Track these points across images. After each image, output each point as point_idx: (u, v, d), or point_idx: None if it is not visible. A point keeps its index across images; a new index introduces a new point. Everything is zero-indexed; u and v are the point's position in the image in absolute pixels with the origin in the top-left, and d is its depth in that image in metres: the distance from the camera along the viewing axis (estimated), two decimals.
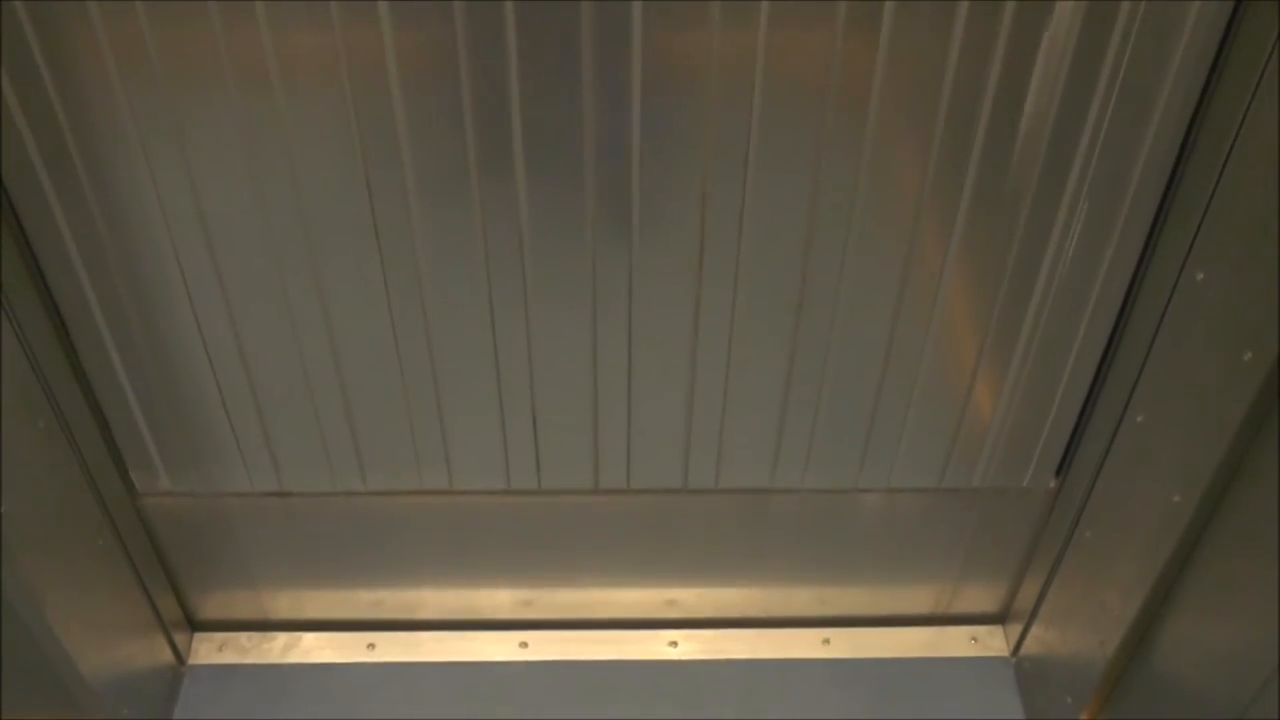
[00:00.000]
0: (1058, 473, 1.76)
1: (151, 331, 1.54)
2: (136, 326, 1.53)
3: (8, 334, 1.41)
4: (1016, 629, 1.99)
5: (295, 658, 2.01)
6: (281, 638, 2.03)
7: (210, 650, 2.01)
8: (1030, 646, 1.95)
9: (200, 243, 1.44)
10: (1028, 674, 1.96)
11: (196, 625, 2.03)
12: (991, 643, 2.04)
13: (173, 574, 1.91)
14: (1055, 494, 1.79)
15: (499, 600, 2.00)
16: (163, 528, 1.83)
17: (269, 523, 1.83)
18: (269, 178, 1.38)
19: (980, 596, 2.01)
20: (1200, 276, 1.37)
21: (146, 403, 1.63)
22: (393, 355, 1.58)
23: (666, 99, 1.32)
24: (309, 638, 2.03)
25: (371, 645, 2.02)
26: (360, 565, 1.93)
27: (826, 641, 2.03)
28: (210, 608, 1.99)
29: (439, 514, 1.83)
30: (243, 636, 2.03)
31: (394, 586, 1.96)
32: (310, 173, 1.38)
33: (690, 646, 2.03)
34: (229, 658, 2.01)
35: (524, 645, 2.02)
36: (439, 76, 1.30)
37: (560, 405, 1.65)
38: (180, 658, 1.98)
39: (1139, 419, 1.54)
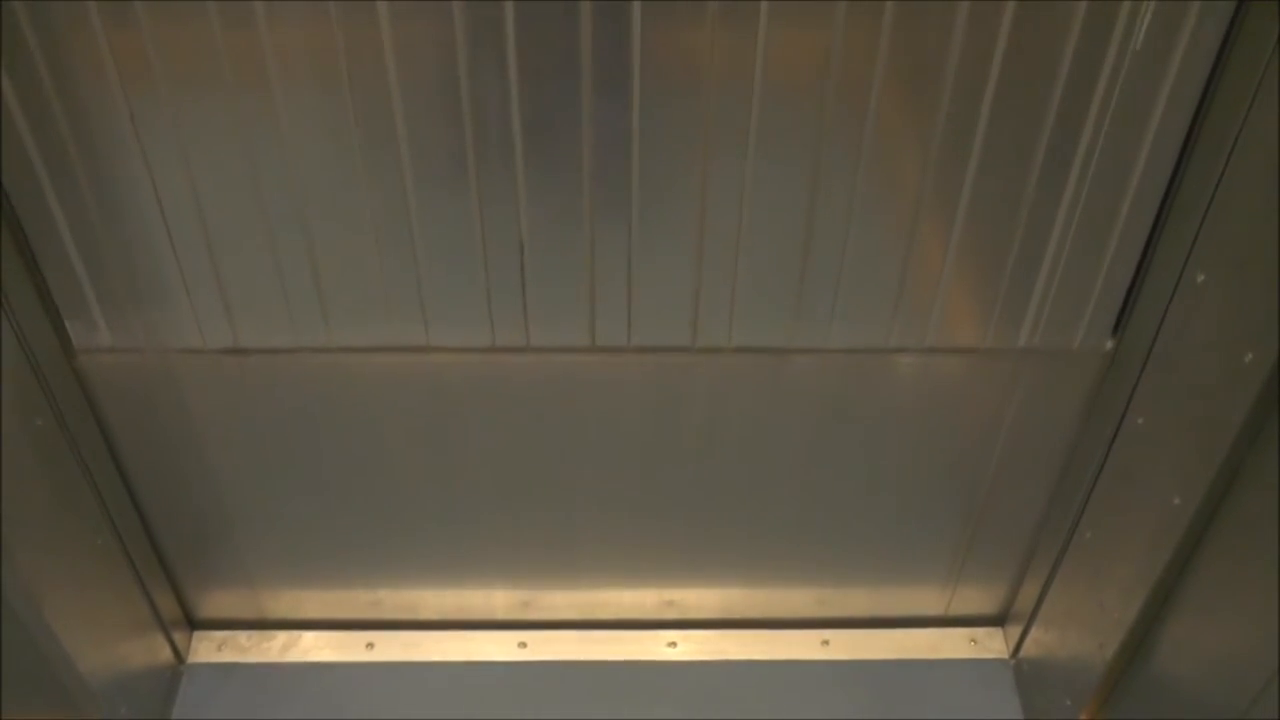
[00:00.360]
0: (1114, 331, 1.57)
1: (90, 158, 1.37)
2: (76, 159, 1.37)
3: (4, 328, 1.41)
4: (1016, 631, 1.99)
5: (294, 656, 2.00)
6: (280, 636, 2.03)
7: (209, 649, 2.01)
8: (1030, 648, 1.95)
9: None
10: (1027, 676, 1.96)
11: (195, 624, 2.03)
12: (991, 644, 2.04)
13: (172, 572, 1.91)
14: (1110, 360, 1.59)
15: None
16: (103, 393, 1.63)
17: (223, 387, 1.62)
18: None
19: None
20: (1201, 278, 1.36)
21: (83, 240, 1.44)
22: (361, 189, 1.42)
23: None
24: (308, 636, 2.03)
25: (370, 644, 2.01)
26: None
27: (826, 643, 2.03)
28: (209, 606, 1.99)
29: (415, 377, 1.63)
30: (241, 635, 2.02)
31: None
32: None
33: (689, 647, 2.03)
34: (228, 656, 2.00)
35: (523, 645, 2.02)
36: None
37: (552, 247, 1.48)
38: (179, 656, 1.98)
39: (1139, 422, 1.53)
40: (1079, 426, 1.69)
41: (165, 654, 1.94)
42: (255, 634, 2.02)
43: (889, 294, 1.52)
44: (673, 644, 2.03)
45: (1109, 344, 1.59)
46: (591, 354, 1.59)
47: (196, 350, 1.57)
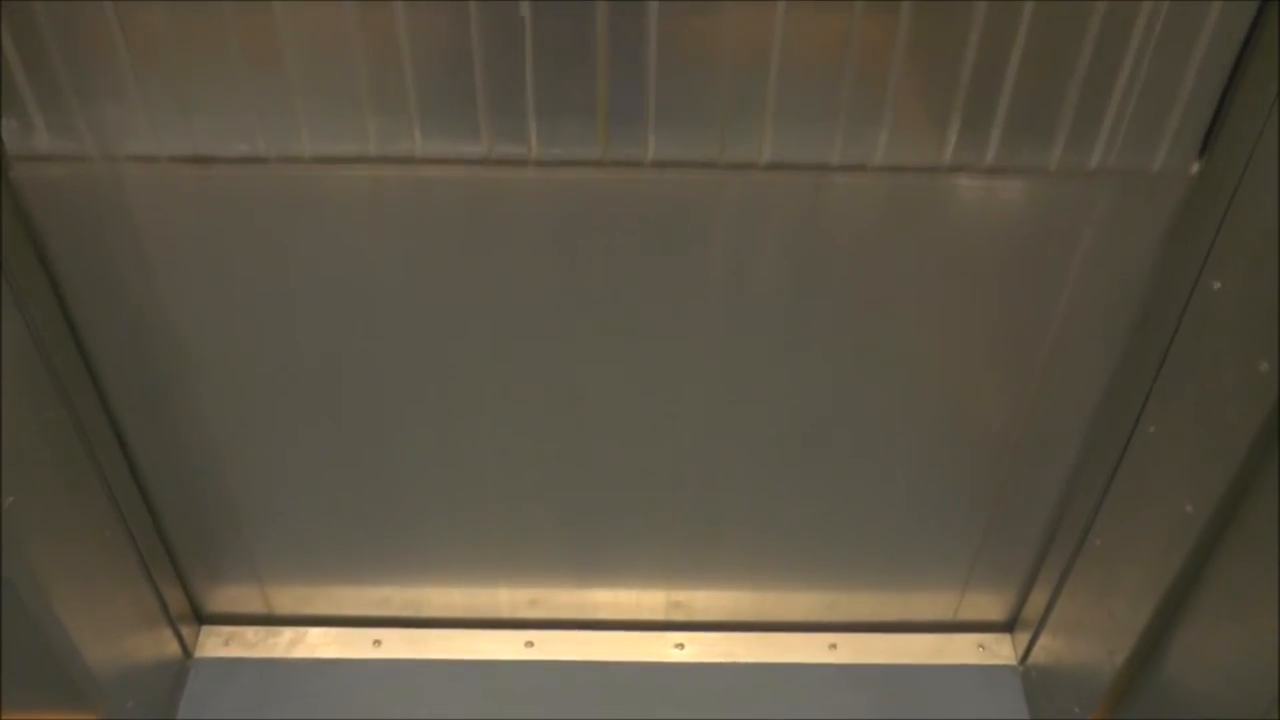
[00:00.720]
0: (1201, 154, 1.37)
1: None
2: None
3: (16, 322, 1.41)
4: (1024, 637, 1.98)
5: (301, 653, 2.00)
6: (287, 632, 2.03)
7: (216, 644, 2.01)
8: (1038, 655, 1.94)
9: None
10: (1035, 683, 1.95)
11: (203, 619, 2.03)
12: (999, 651, 2.03)
13: (180, 566, 1.91)
14: (1196, 184, 1.38)
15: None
16: (39, 212, 1.40)
17: (181, 211, 1.41)
18: None
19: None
20: (1217, 285, 1.36)
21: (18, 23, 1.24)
22: None
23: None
24: (315, 633, 2.03)
25: (377, 641, 2.01)
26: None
27: (833, 646, 2.03)
28: (217, 601, 1.99)
29: (402, 195, 1.42)
30: (249, 631, 2.02)
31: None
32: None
33: (696, 649, 2.02)
34: (235, 651, 2.00)
35: (529, 644, 2.02)
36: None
37: (558, 34, 1.28)
38: (186, 651, 1.98)
39: (1150, 429, 1.53)
40: (1157, 269, 1.48)
41: (173, 648, 1.94)
42: (262, 629, 2.02)
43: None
44: (680, 645, 2.02)
45: (1194, 167, 1.38)
46: (604, 168, 1.39)
47: (150, 158, 1.36)
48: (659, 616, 2.03)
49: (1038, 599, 1.92)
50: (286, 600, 1.99)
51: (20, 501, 1.41)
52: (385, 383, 1.62)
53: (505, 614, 2.02)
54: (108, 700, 1.69)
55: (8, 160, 1.36)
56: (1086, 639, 1.74)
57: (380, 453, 1.72)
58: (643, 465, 1.75)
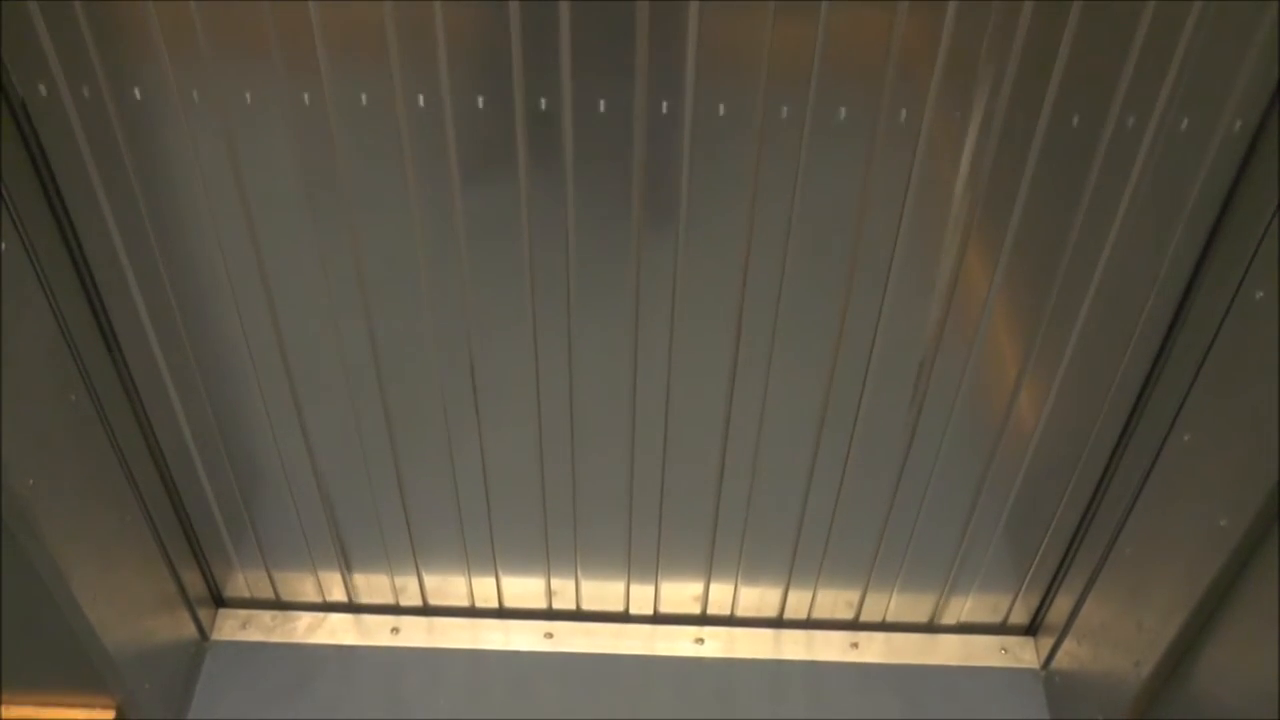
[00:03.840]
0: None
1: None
2: None
3: (40, 305, 1.40)
4: (1048, 642, 1.96)
5: (318, 638, 2.00)
6: (305, 617, 2.02)
7: (234, 627, 2.01)
8: (1062, 661, 1.92)
9: None
10: (1058, 688, 1.93)
11: (221, 602, 2.02)
12: (1022, 654, 2.01)
13: (199, 550, 1.90)
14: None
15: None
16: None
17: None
18: None
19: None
20: (1259, 295, 1.33)
21: None
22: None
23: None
24: (333, 619, 2.02)
25: (395, 629, 2.01)
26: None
27: (855, 645, 2.01)
28: (235, 585, 1.99)
29: None
30: (266, 615, 2.02)
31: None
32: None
33: (717, 644, 2.01)
34: (252, 635, 2.00)
35: (549, 636, 2.01)
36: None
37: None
38: (204, 634, 1.98)
39: (1186, 438, 1.50)
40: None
41: (190, 630, 1.94)
42: (280, 614, 2.02)
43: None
44: (700, 640, 2.01)
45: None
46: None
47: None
48: (680, 610, 2.01)
49: (1062, 604, 1.90)
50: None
51: (41, 484, 1.41)
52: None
53: (525, 605, 2.01)
54: (125, 681, 1.69)
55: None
56: (1112, 647, 1.72)
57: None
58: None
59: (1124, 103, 1.29)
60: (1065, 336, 1.53)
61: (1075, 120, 1.30)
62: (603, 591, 1.98)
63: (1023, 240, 1.42)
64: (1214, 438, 1.45)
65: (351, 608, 2.02)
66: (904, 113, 1.31)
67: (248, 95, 1.31)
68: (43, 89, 1.29)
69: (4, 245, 1.29)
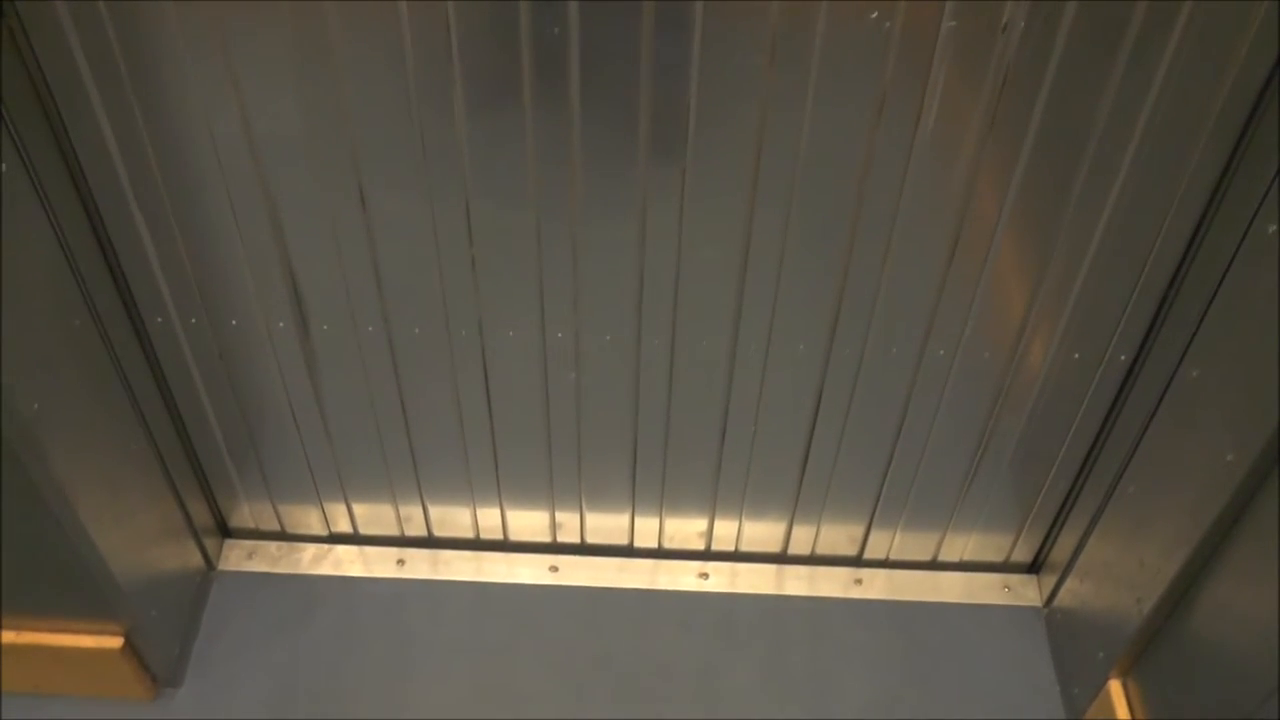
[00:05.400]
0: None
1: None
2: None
3: (44, 229, 1.40)
4: (1051, 580, 1.97)
5: (323, 569, 2.01)
6: (310, 548, 2.03)
7: (240, 557, 2.02)
8: (1064, 599, 1.93)
9: None
10: (1059, 626, 1.93)
11: (227, 532, 2.03)
12: (1024, 592, 2.02)
13: (205, 479, 1.91)
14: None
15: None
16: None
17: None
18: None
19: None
20: (1272, 229, 1.32)
21: None
22: None
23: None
24: (338, 550, 2.03)
25: (401, 561, 2.02)
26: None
27: (858, 581, 2.02)
28: (242, 515, 2.00)
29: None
30: (272, 545, 2.03)
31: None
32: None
33: (721, 579, 2.02)
34: (258, 566, 2.01)
35: (554, 569, 2.01)
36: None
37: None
38: (210, 563, 1.99)
39: (1194, 374, 1.49)
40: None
41: (196, 560, 1.95)
42: (285, 545, 2.03)
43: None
44: (704, 575, 2.02)
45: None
46: None
47: None
48: (684, 545, 2.02)
49: (1066, 542, 1.90)
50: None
51: (45, 410, 1.41)
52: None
53: (530, 538, 2.02)
54: (132, 609, 1.70)
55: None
56: (1114, 585, 1.72)
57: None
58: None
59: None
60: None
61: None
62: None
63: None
64: (1222, 373, 1.44)
65: (357, 539, 2.03)
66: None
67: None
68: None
69: (4, 166, 1.29)
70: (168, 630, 1.83)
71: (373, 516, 1.99)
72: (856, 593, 2.01)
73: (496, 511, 1.97)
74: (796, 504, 1.92)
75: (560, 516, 1.98)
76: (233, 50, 1.32)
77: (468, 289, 1.59)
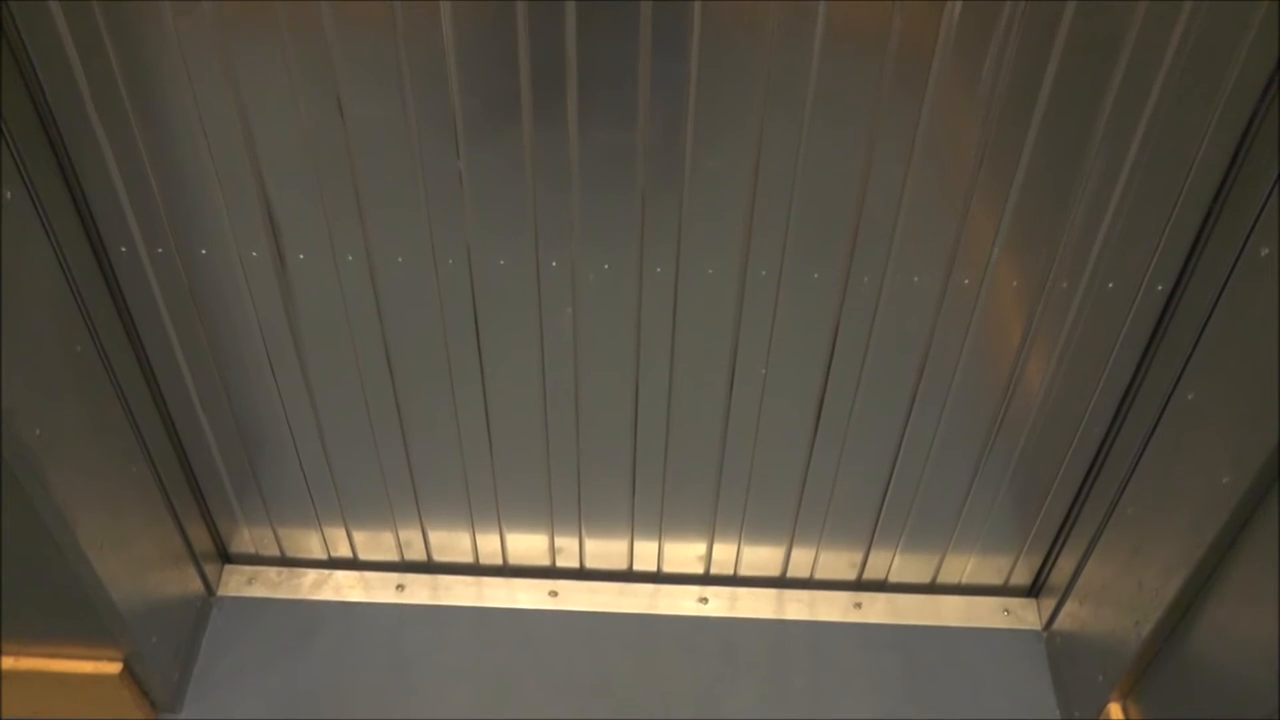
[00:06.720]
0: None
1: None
2: None
3: (47, 255, 1.40)
4: (1050, 603, 1.97)
5: (323, 594, 2.01)
6: (310, 574, 2.03)
7: (240, 583, 2.02)
8: (1063, 622, 1.93)
9: None
10: (1059, 649, 1.93)
11: (227, 557, 2.03)
12: (1024, 616, 2.02)
13: (205, 505, 1.91)
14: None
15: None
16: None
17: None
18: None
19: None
20: (1265, 252, 1.32)
21: None
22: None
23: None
24: (338, 575, 2.03)
25: (400, 586, 2.02)
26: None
27: (858, 605, 2.02)
28: (241, 541, 2.00)
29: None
30: (272, 571, 2.03)
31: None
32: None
33: (720, 603, 2.01)
34: (258, 591, 2.01)
35: (553, 594, 2.01)
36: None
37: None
38: (210, 589, 1.99)
39: (1190, 396, 1.50)
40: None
41: (196, 585, 1.95)
42: (285, 570, 2.03)
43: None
44: (704, 599, 2.02)
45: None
46: None
47: None
48: (684, 570, 2.02)
49: (1065, 565, 1.90)
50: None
51: (47, 435, 1.41)
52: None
53: (529, 563, 2.02)
54: (132, 634, 1.70)
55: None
56: (1113, 607, 1.72)
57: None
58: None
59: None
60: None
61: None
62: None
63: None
64: (1218, 396, 1.44)
65: (356, 564, 2.03)
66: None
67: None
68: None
69: (9, 194, 1.29)
70: (167, 656, 1.83)
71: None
72: (856, 616, 2.01)
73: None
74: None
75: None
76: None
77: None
